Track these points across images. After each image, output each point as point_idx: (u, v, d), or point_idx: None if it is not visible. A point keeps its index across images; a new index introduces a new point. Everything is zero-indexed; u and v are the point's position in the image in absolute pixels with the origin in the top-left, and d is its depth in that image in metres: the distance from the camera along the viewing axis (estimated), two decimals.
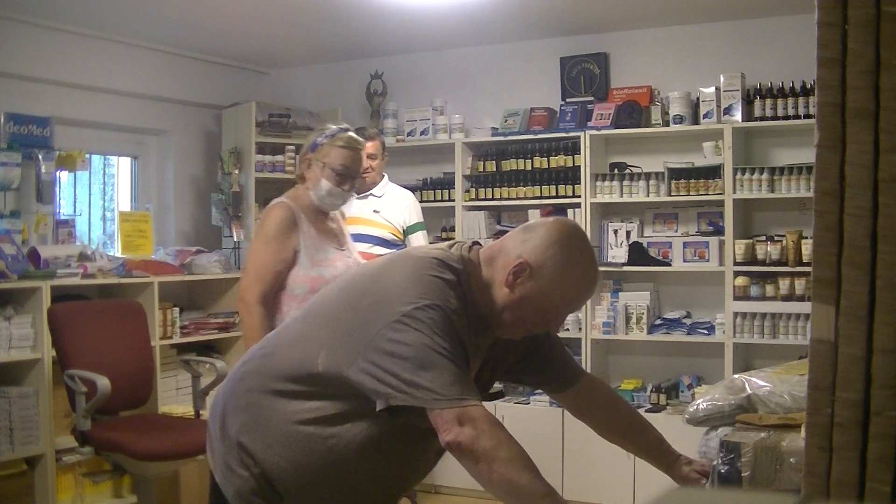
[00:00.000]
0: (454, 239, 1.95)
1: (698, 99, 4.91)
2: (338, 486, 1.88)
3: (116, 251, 5.13)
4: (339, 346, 1.80)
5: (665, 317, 5.08)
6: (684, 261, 4.94)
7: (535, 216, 5.25)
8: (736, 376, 2.28)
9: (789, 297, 4.65)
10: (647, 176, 5.01)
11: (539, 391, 4.30)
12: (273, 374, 1.89)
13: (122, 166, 5.73)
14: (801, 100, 4.66)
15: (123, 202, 5.71)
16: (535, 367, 2.09)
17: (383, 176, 4.83)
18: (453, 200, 5.46)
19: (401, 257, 1.92)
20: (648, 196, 5.01)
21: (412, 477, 2.02)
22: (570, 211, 5.15)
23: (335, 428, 1.83)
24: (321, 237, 3.29)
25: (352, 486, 1.88)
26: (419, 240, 4.76)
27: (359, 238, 4.69)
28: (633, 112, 5.03)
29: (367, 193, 4.76)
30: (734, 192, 4.75)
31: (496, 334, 1.94)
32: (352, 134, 3.23)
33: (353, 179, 3.24)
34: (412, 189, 5.19)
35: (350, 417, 1.82)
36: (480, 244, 1.95)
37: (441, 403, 1.70)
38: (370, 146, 4.68)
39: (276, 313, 3.25)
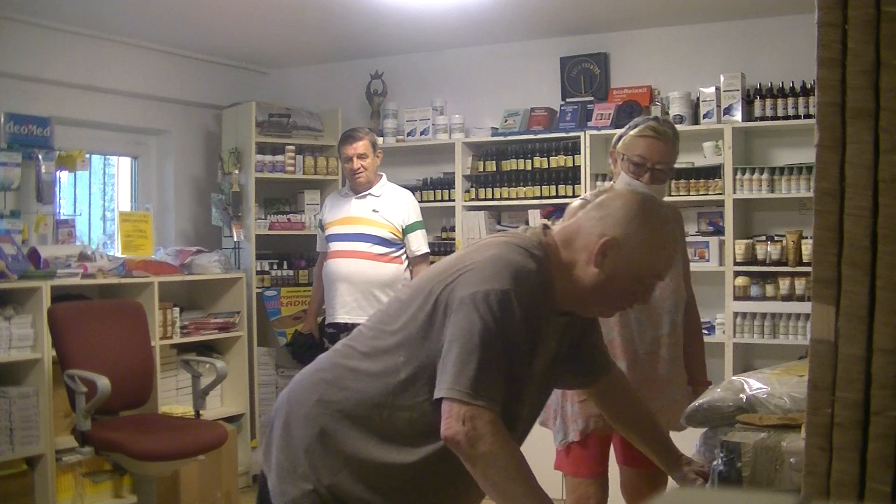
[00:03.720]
0: (524, 227, 1.95)
1: (698, 99, 4.91)
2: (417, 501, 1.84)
3: (116, 251, 5.13)
4: (420, 344, 1.77)
5: None
6: None
7: (535, 216, 5.25)
8: (735, 378, 2.28)
9: (789, 297, 4.65)
10: None
11: None
12: (350, 384, 1.84)
13: (122, 166, 5.73)
14: (801, 100, 4.66)
15: (123, 202, 5.71)
16: (584, 356, 2.08)
17: (381, 176, 4.84)
18: (453, 200, 5.46)
19: (482, 246, 1.88)
20: None
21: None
22: None
23: (419, 445, 1.79)
24: None
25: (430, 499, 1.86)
26: (418, 238, 4.77)
27: (358, 237, 4.71)
28: (633, 112, 5.03)
29: (366, 193, 4.77)
30: (734, 192, 4.75)
31: (586, 314, 1.95)
32: (653, 123, 2.91)
33: (652, 171, 2.86)
34: (412, 189, 5.20)
35: (435, 429, 1.76)
36: (549, 226, 1.93)
37: (453, 393, 1.68)
38: (359, 146, 4.69)
39: None
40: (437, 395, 1.72)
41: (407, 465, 1.80)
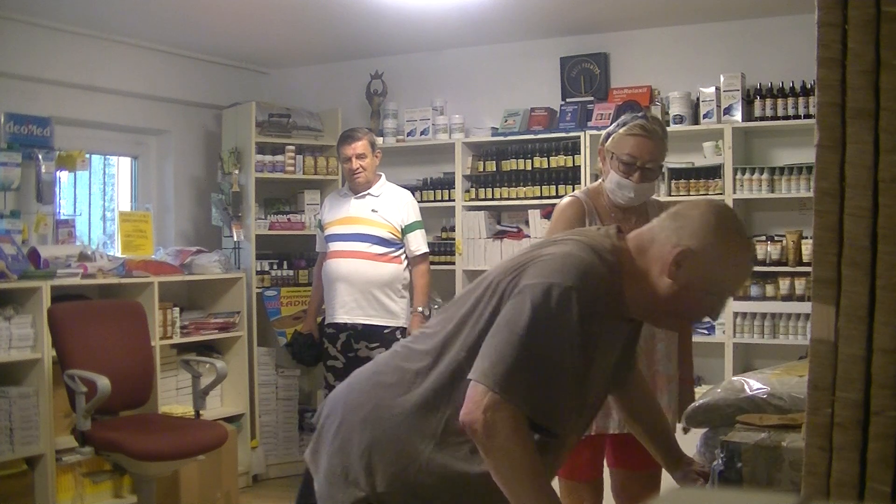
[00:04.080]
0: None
1: (698, 99, 4.91)
2: None
3: (116, 251, 5.13)
4: (480, 338, 1.73)
5: None
6: None
7: (535, 216, 5.25)
8: (735, 378, 2.29)
9: (789, 297, 4.65)
10: None
11: None
12: (410, 386, 1.79)
13: (122, 166, 5.73)
14: (801, 100, 4.66)
15: (123, 202, 5.71)
16: (627, 358, 2.04)
17: (380, 176, 4.84)
18: (453, 200, 5.46)
19: (553, 242, 1.83)
20: None
21: None
22: None
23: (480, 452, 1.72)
24: None
25: None
26: (417, 238, 4.77)
27: (357, 237, 4.71)
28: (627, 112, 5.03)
29: (365, 193, 4.77)
30: (734, 192, 4.75)
31: (654, 324, 1.91)
32: (641, 121, 2.85)
33: (643, 170, 2.82)
34: (412, 189, 5.20)
35: None
36: (623, 231, 1.87)
37: (484, 379, 1.64)
38: (358, 146, 4.69)
39: None
40: (469, 375, 1.68)
41: (467, 475, 1.75)
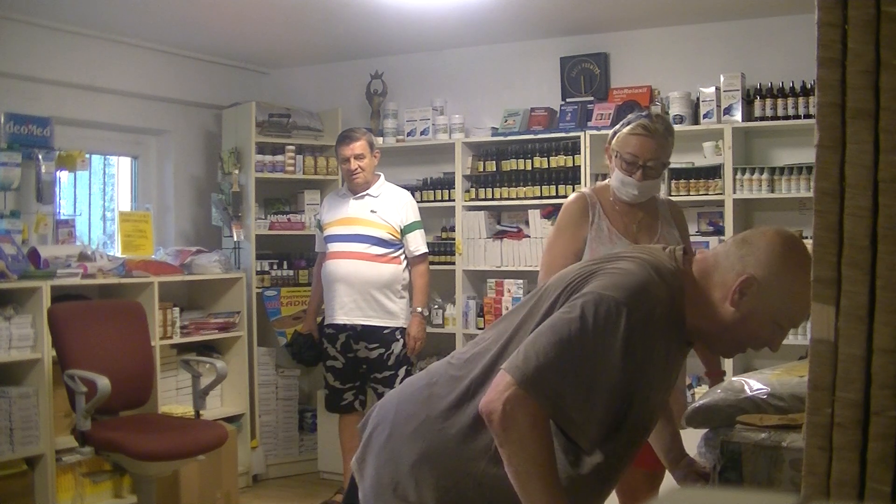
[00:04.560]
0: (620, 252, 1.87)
1: (698, 99, 4.91)
2: None
3: (116, 251, 5.13)
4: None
5: None
6: None
7: (535, 216, 5.25)
8: (735, 378, 2.28)
9: None
10: None
11: None
12: (465, 398, 1.76)
13: (122, 166, 5.73)
14: (801, 100, 4.66)
15: (123, 202, 5.71)
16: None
17: (379, 176, 4.84)
18: (453, 200, 5.46)
19: (617, 257, 1.81)
20: None
21: None
22: None
23: None
24: (615, 230, 3.00)
25: None
26: (416, 239, 4.77)
27: (356, 238, 4.71)
28: (633, 112, 5.03)
29: (364, 193, 4.77)
30: (734, 192, 4.75)
31: (712, 350, 1.90)
32: (644, 121, 2.94)
33: (644, 168, 2.92)
34: (412, 189, 5.20)
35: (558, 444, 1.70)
36: (687, 251, 1.85)
37: (514, 371, 1.62)
38: (356, 146, 4.70)
39: None
40: (502, 365, 1.67)
41: None
